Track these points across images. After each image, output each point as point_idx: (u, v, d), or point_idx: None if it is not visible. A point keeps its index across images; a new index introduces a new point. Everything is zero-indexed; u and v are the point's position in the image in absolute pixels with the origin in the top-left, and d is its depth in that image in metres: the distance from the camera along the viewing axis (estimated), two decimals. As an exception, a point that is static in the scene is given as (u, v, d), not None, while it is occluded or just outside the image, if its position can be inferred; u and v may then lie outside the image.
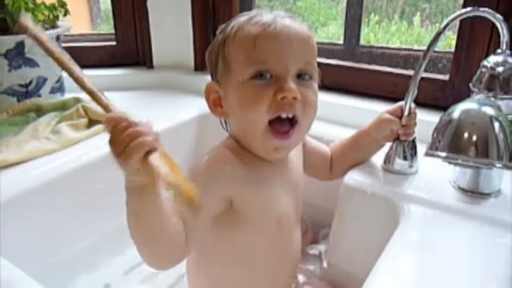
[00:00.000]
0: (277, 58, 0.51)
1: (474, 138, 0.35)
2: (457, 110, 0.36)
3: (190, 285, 0.66)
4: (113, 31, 1.16)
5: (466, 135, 0.35)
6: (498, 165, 0.35)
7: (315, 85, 0.55)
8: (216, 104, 0.57)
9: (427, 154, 0.38)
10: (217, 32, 0.58)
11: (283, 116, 0.51)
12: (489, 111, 0.36)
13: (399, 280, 0.46)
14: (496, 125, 0.35)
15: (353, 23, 1.10)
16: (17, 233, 0.61)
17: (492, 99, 0.39)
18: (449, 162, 0.36)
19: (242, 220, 0.55)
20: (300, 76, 0.53)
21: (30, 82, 0.90)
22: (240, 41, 0.52)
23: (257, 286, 0.61)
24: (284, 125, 0.52)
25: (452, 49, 0.79)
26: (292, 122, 0.52)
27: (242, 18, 0.54)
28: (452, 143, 0.36)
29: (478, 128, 0.35)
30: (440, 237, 0.53)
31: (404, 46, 1.07)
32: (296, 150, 0.64)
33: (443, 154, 0.36)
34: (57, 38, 0.94)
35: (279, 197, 0.58)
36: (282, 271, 0.63)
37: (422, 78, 0.61)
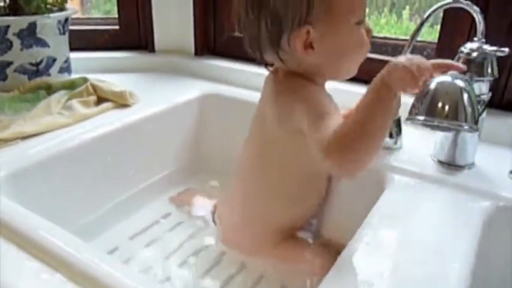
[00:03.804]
0: (364, 10, 0.61)
1: (447, 105, 0.42)
2: (434, 82, 0.44)
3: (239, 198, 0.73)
4: (105, 16, 1.20)
5: (440, 103, 0.43)
6: (465, 126, 0.43)
7: None
8: (305, 45, 0.59)
9: (408, 119, 0.45)
10: None
11: None
12: (460, 83, 0.43)
13: (380, 238, 0.53)
14: (465, 95, 0.42)
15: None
16: (39, 196, 0.68)
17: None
18: (426, 125, 0.44)
19: None
20: None
21: (41, 61, 0.95)
22: None
23: (303, 198, 0.71)
24: None
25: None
26: None
27: None
28: (429, 109, 0.43)
29: (450, 97, 0.42)
30: (420, 202, 0.60)
31: (393, 36, 1.13)
32: None
33: (422, 118, 0.43)
34: (66, 21, 0.99)
35: None
36: (321, 187, 0.73)
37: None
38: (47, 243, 0.48)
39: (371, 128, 0.49)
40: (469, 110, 0.42)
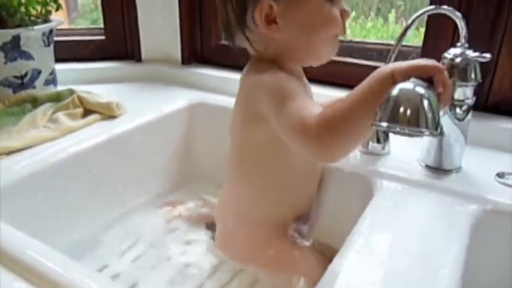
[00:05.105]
0: None
1: (408, 111, 0.44)
2: (396, 89, 0.45)
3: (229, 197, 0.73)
4: (92, 26, 1.19)
5: (402, 109, 0.44)
6: (426, 133, 0.44)
7: None
8: (269, 21, 0.58)
9: (372, 125, 0.46)
10: None
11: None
12: (420, 90, 0.44)
13: (370, 245, 0.53)
14: (425, 102, 0.44)
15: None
16: (26, 212, 0.67)
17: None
18: (390, 131, 0.45)
19: None
20: None
21: (26, 74, 0.94)
22: None
23: (291, 199, 0.70)
24: None
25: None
26: None
27: None
28: (391, 115, 0.44)
29: (411, 104, 0.44)
30: (408, 206, 0.60)
31: (377, 41, 1.14)
32: None
33: (385, 124, 0.44)
34: (50, 32, 0.98)
35: None
36: (311, 187, 0.72)
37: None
38: (34, 263, 0.47)
39: (361, 116, 0.48)
40: (429, 116, 0.44)
